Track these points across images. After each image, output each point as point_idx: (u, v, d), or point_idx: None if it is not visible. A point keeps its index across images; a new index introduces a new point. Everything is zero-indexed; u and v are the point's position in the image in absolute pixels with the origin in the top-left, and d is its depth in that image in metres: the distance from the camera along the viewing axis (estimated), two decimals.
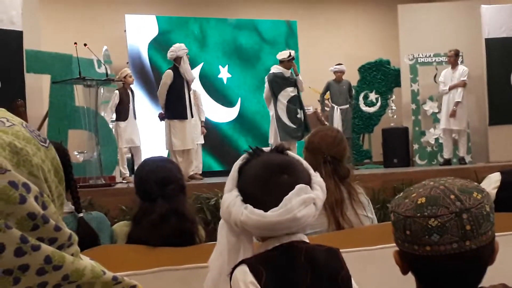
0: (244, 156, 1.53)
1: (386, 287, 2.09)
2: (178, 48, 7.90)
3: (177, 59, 7.83)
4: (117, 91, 8.64)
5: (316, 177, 1.51)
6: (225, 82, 11.16)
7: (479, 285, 1.17)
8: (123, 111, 8.55)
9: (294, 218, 1.37)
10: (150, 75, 10.70)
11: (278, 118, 8.30)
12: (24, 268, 0.65)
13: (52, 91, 8.04)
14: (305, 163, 1.53)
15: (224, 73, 11.17)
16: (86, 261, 0.73)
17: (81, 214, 2.29)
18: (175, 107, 7.68)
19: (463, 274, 1.15)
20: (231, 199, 1.44)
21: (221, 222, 1.51)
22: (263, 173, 1.46)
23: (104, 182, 6.98)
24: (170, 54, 7.92)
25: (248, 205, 1.40)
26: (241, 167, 1.50)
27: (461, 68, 9.23)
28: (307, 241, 1.48)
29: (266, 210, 1.38)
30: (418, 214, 1.13)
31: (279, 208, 1.37)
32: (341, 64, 9.57)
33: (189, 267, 2.14)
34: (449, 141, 9.24)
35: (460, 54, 9.35)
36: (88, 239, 2.21)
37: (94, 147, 7.22)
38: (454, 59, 9.20)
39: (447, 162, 9.19)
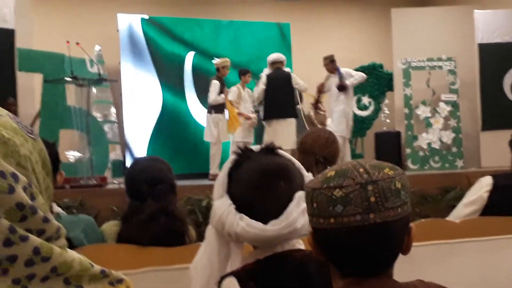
0: (233, 158, 1.41)
1: None
2: None
3: None
4: (216, 81, 8.29)
5: (308, 177, 1.43)
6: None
7: (396, 280, 1.12)
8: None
9: (295, 230, 1.32)
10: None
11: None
12: (13, 259, 0.64)
13: (44, 90, 8.01)
14: (297, 163, 1.45)
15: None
16: (74, 254, 0.72)
17: None
18: None
19: (370, 254, 1.09)
20: (223, 209, 1.34)
21: (210, 227, 1.42)
22: (258, 180, 1.36)
23: (95, 182, 6.95)
24: None
25: (243, 215, 1.32)
26: (231, 171, 1.39)
27: None
28: (302, 247, 1.41)
29: (262, 219, 1.31)
30: (325, 186, 1.09)
31: (280, 221, 1.30)
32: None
33: (179, 267, 2.13)
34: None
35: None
36: None
37: (85, 147, 7.19)
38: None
39: None
